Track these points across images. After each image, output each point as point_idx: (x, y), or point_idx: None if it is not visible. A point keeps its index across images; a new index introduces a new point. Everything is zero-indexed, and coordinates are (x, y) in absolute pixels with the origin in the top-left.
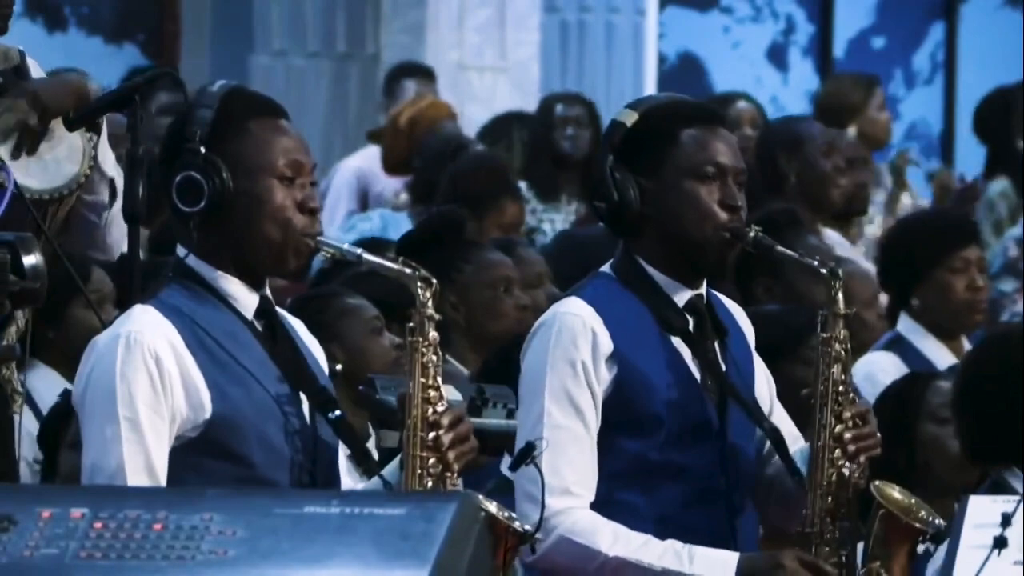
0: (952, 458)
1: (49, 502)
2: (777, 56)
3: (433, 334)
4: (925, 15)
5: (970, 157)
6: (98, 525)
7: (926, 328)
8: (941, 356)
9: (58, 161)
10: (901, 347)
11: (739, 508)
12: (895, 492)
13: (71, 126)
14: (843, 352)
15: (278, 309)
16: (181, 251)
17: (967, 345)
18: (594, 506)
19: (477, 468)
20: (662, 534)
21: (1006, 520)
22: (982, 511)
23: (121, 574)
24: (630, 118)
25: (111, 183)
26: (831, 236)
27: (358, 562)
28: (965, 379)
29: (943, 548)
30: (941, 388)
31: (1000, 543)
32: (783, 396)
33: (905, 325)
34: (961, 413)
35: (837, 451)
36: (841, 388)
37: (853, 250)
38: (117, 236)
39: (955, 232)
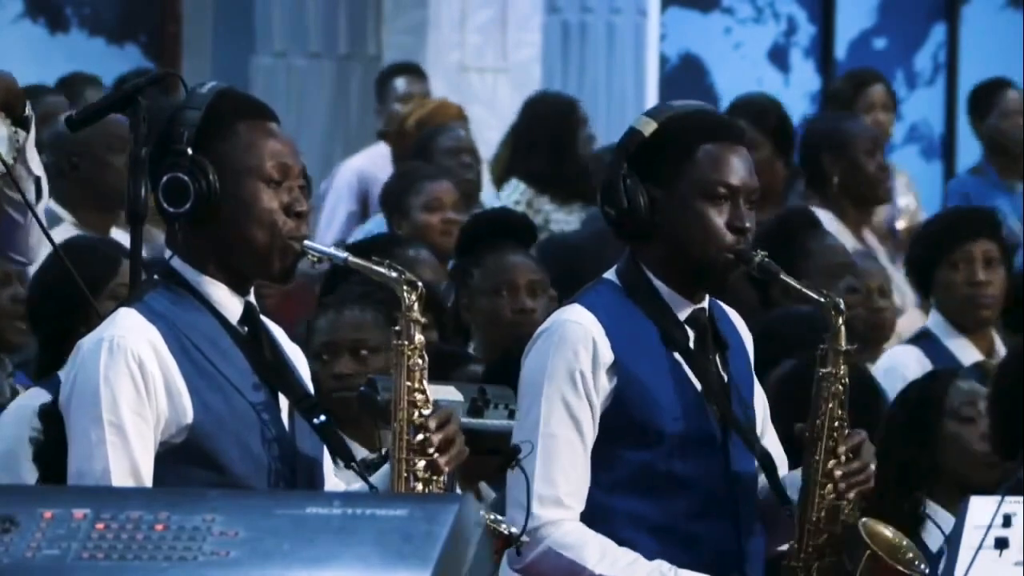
0: (973, 456)
1: (51, 503)
2: (779, 57)
3: (419, 337)
4: (926, 16)
5: (972, 158)
6: (100, 526)
7: (950, 324)
8: (966, 352)
9: None
10: (927, 342)
11: (745, 521)
12: (885, 531)
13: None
14: (841, 388)
15: (261, 316)
16: (167, 254)
17: (998, 341)
18: (597, 515)
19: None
20: (666, 545)
21: (1007, 521)
22: (984, 512)
23: (123, 575)
24: (648, 127)
25: (37, 182)
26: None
27: (360, 563)
28: (1001, 373)
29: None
30: (962, 386)
31: (1001, 544)
32: None
33: (933, 320)
34: (994, 407)
35: (829, 487)
36: (837, 424)
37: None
38: (38, 239)
39: (956, 227)
